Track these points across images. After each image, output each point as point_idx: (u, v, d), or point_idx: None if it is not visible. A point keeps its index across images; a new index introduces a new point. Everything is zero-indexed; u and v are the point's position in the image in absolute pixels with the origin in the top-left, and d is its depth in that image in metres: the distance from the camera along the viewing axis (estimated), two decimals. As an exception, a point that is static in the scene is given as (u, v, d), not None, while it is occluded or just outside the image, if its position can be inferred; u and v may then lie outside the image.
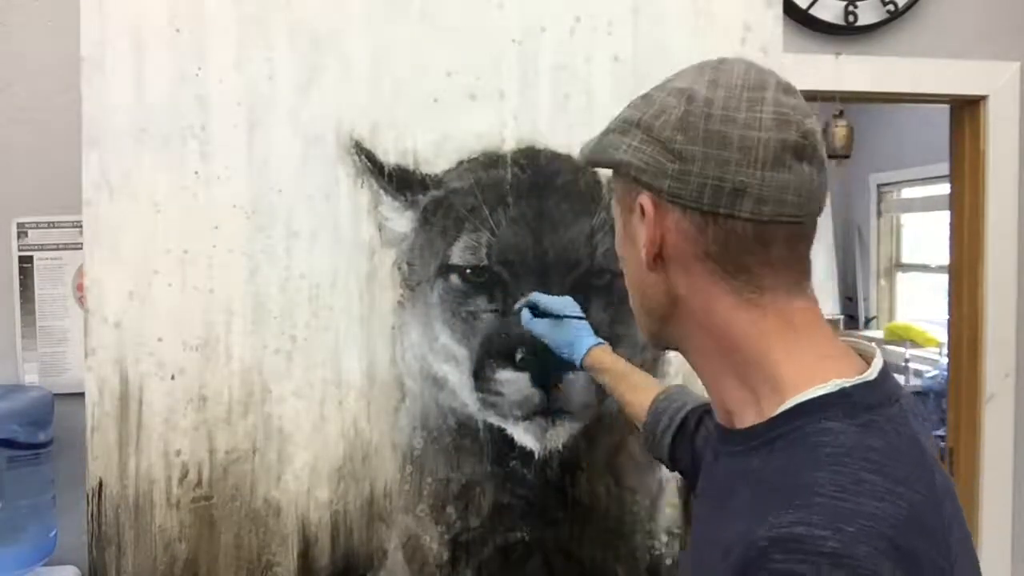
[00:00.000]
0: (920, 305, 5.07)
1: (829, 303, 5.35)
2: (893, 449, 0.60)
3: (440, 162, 1.25)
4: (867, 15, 1.84)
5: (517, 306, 1.23)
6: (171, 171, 1.20)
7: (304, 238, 1.23)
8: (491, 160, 1.26)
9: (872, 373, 0.65)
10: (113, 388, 1.19)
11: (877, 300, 5.37)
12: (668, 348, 0.77)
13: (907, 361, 4.61)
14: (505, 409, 1.25)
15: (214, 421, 1.21)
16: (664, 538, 1.31)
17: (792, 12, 1.77)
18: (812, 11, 1.81)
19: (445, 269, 1.25)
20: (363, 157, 1.24)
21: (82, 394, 1.20)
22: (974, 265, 1.99)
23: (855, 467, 0.58)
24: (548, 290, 1.24)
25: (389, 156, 1.25)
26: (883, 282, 5.33)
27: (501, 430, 1.26)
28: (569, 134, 1.28)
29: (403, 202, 1.25)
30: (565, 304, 1.21)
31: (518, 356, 1.23)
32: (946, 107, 2.05)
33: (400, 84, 1.24)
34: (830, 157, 1.96)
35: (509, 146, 1.26)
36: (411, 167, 1.25)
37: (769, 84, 0.66)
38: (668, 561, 1.31)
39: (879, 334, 5.07)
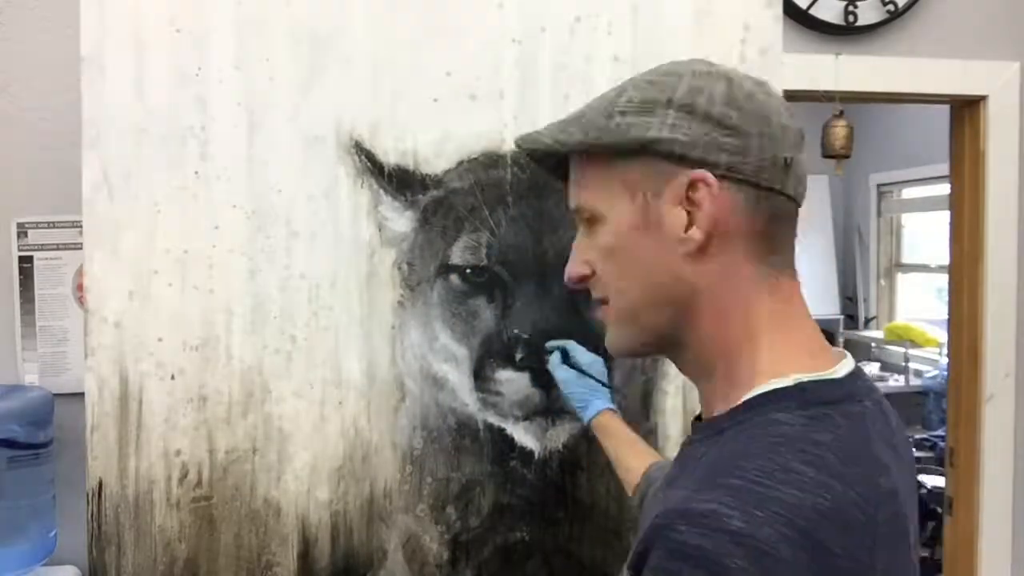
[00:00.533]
0: (920, 305, 5.07)
1: (829, 303, 5.35)
2: (838, 445, 0.60)
3: (440, 162, 1.25)
4: (867, 15, 1.84)
5: (550, 345, 1.23)
6: (171, 171, 1.20)
7: (304, 238, 1.23)
8: (491, 160, 1.26)
9: (838, 372, 0.66)
10: (113, 388, 1.19)
11: (877, 300, 5.37)
12: (657, 352, 0.74)
13: (907, 361, 4.61)
14: (505, 409, 1.25)
15: (214, 421, 1.21)
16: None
17: (792, 12, 1.77)
18: (812, 11, 1.81)
19: (445, 269, 1.25)
20: (363, 157, 1.24)
21: (82, 394, 1.20)
22: (974, 265, 1.99)
23: (788, 457, 0.58)
24: (548, 290, 1.24)
25: (389, 156, 1.25)
26: (883, 282, 5.33)
27: (501, 430, 1.26)
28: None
29: (403, 202, 1.25)
30: (594, 363, 1.21)
31: (518, 356, 1.23)
32: (946, 107, 2.05)
33: (400, 84, 1.24)
34: (830, 157, 1.96)
35: (509, 146, 1.26)
36: (411, 167, 1.25)
37: (751, 77, 0.70)
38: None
39: (879, 334, 5.07)
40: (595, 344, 1.22)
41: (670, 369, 1.30)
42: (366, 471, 1.24)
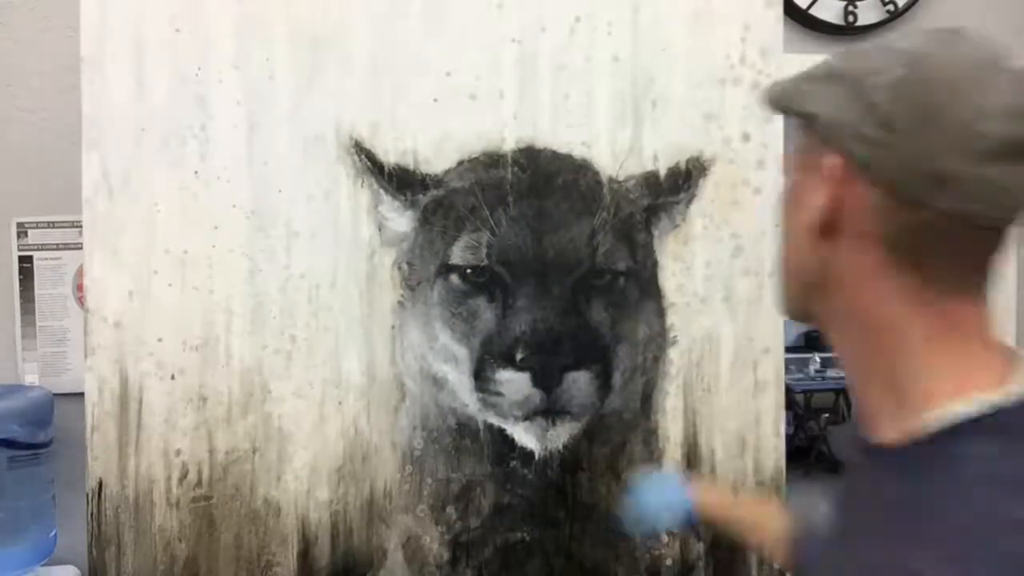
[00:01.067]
0: (920, 305, 5.05)
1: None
2: None
3: (440, 162, 1.25)
4: (867, 15, 1.84)
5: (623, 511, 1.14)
6: (171, 171, 1.20)
7: (304, 238, 1.23)
8: (491, 160, 1.26)
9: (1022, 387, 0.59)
10: (113, 388, 1.19)
11: (877, 300, 5.35)
12: (807, 321, 0.69)
13: (907, 361, 4.59)
14: (505, 409, 1.25)
15: (214, 421, 1.21)
16: (664, 538, 1.31)
17: (792, 12, 1.77)
18: (812, 11, 1.81)
19: (445, 269, 1.25)
20: (363, 157, 1.24)
21: (82, 394, 1.20)
22: (974, 265, 1.99)
23: (995, 498, 0.52)
24: (548, 290, 1.24)
25: (389, 156, 1.25)
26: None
27: (501, 430, 1.26)
28: (569, 134, 1.28)
29: (403, 202, 1.25)
30: (683, 502, 1.09)
31: (518, 356, 1.23)
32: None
33: (400, 84, 1.24)
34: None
35: (509, 146, 1.26)
36: (411, 167, 1.25)
37: (1007, 68, 0.58)
38: (668, 561, 1.31)
39: (879, 334, 5.05)
40: (598, 338, 1.21)
41: (670, 369, 1.30)
42: (366, 471, 1.24)
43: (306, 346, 1.23)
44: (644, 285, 1.30)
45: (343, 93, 1.23)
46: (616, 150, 1.29)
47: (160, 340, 1.20)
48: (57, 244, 1.54)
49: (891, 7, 1.85)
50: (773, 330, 1.32)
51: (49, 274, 1.54)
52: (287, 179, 1.23)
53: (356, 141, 1.24)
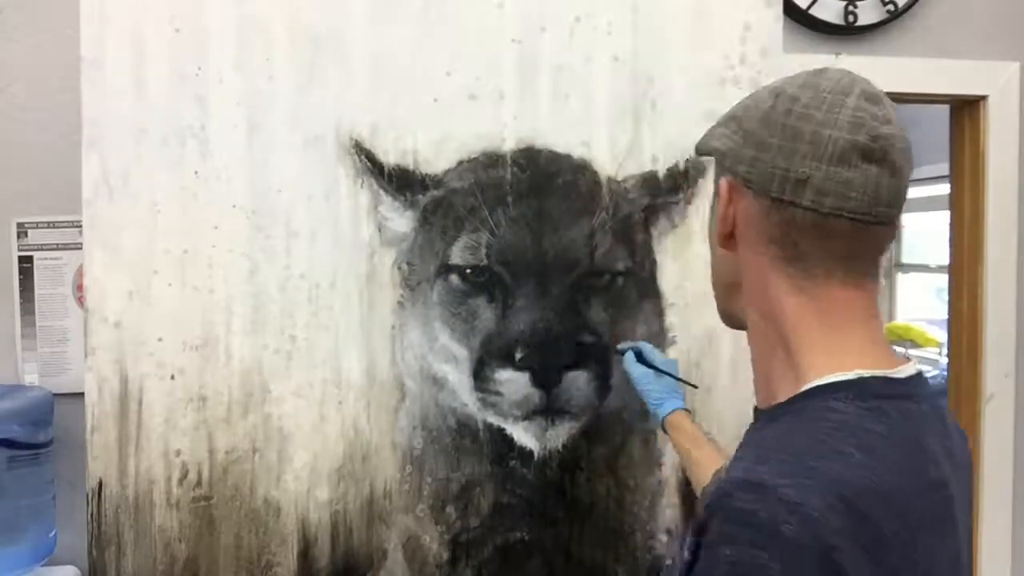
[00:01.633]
0: (920, 305, 5.07)
1: (829, 303, 5.32)
2: (892, 434, 0.66)
3: (440, 162, 1.25)
4: (867, 15, 1.84)
5: (622, 347, 1.24)
6: (171, 171, 1.20)
7: (304, 238, 1.23)
8: (491, 160, 1.26)
9: (901, 372, 0.71)
10: (113, 388, 1.19)
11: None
12: (736, 326, 0.81)
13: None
14: (505, 409, 1.25)
15: (214, 421, 1.21)
16: (664, 538, 1.31)
17: (792, 12, 1.77)
18: (812, 11, 1.81)
19: (445, 269, 1.25)
20: (363, 157, 1.24)
21: (82, 394, 1.20)
22: (974, 265, 1.99)
23: (841, 439, 0.64)
24: (547, 290, 1.24)
25: (389, 156, 1.25)
26: (883, 282, 5.33)
27: (501, 430, 1.26)
28: (569, 134, 1.28)
29: (403, 202, 1.25)
30: (668, 363, 1.22)
31: (518, 356, 1.23)
32: (946, 107, 2.05)
33: (400, 84, 1.24)
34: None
35: (509, 146, 1.26)
36: (411, 167, 1.25)
37: (854, 91, 0.71)
38: (668, 561, 1.31)
39: (879, 334, 5.06)
40: (597, 338, 1.22)
41: (670, 369, 1.31)
42: (366, 471, 1.24)
43: (306, 346, 1.23)
44: (643, 285, 1.30)
45: (343, 93, 1.23)
46: (615, 150, 1.29)
47: (160, 340, 1.20)
48: (57, 244, 1.54)
49: (891, 7, 1.85)
50: (773, 330, 1.32)
51: (49, 274, 1.54)
52: (287, 179, 1.23)
53: (356, 141, 1.24)
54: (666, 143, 1.30)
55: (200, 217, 1.21)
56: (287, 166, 1.23)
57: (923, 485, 0.66)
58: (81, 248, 1.22)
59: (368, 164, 1.24)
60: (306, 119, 1.23)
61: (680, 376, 1.22)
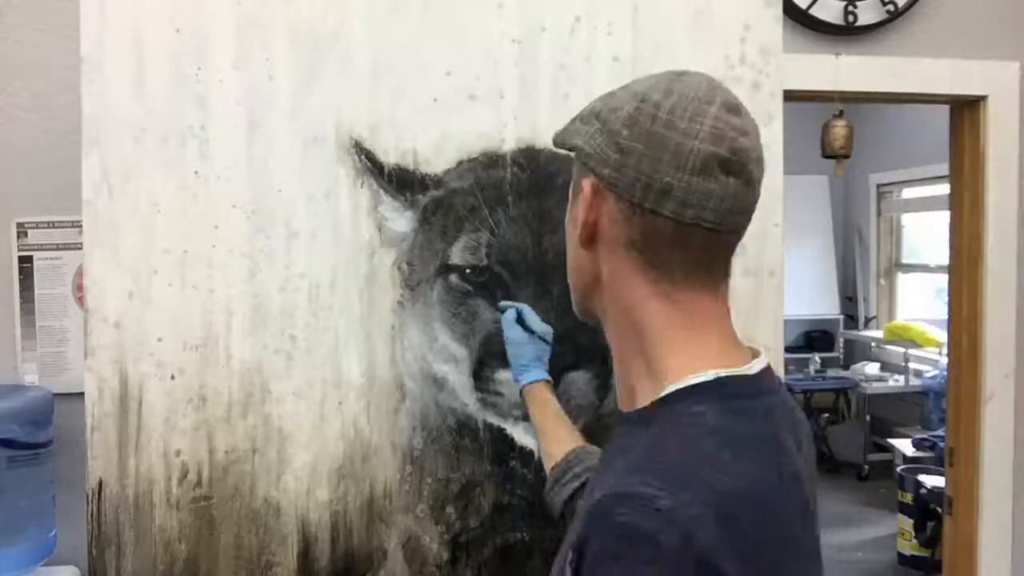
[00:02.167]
0: (920, 305, 5.07)
1: (829, 303, 5.35)
2: (752, 434, 0.69)
3: (440, 162, 1.25)
4: (867, 15, 1.84)
5: (503, 305, 1.24)
6: (171, 171, 1.20)
7: (304, 238, 1.23)
8: (491, 160, 1.26)
9: (752, 368, 0.73)
10: (113, 388, 1.19)
11: (877, 300, 5.38)
12: (591, 319, 0.83)
13: (907, 361, 4.61)
14: (505, 409, 1.25)
15: (214, 421, 1.21)
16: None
17: (792, 12, 1.77)
18: (812, 11, 1.81)
19: (445, 269, 1.25)
20: (363, 157, 1.24)
21: (82, 394, 1.20)
22: (974, 265, 1.99)
23: (709, 443, 0.66)
24: (547, 290, 1.24)
25: (389, 156, 1.25)
26: (883, 282, 5.34)
27: (501, 430, 1.26)
28: (569, 134, 1.27)
29: (403, 202, 1.25)
30: (545, 332, 1.22)
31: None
32: (946, 107, 2.05)
33: (400, 84, 1.24)
34: (830, 157, 1.96)
35: (509, 146, 1.26)
36: (411, 167, 1.25)
37: (715, 101, 0.72)
38: None
39: (879, 334, 5.07)
40: (596, 338, 1.22)
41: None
42: (366, 471, 1.24)
43: (306, 346, 1.23)
44: (644, 285, 1.30)
45: (343, 93, 1.23)
46: (616, 150, 1.29)
47: (160, 340, 1.20)
48: (57, 244, 1.54)
49: (891, 7, 1.85)
50: (773, 330, 1.32)
51: (49, 274, 1.54)
52: (287, 179, 1.23)
53: (356, 141, 1.24)
54: (666, 143, 1.29)
55: (200, 217, 1.21)
56: (287, 166, 1.23)
57: (785, 482, 0.69)
58: (81, 248, 1.22)
59: (368, 164, 1.24)
60: (306, 119, 1.23)
61: (551, 345, 1.21)
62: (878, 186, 5.23)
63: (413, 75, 1.25)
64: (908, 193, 5.10)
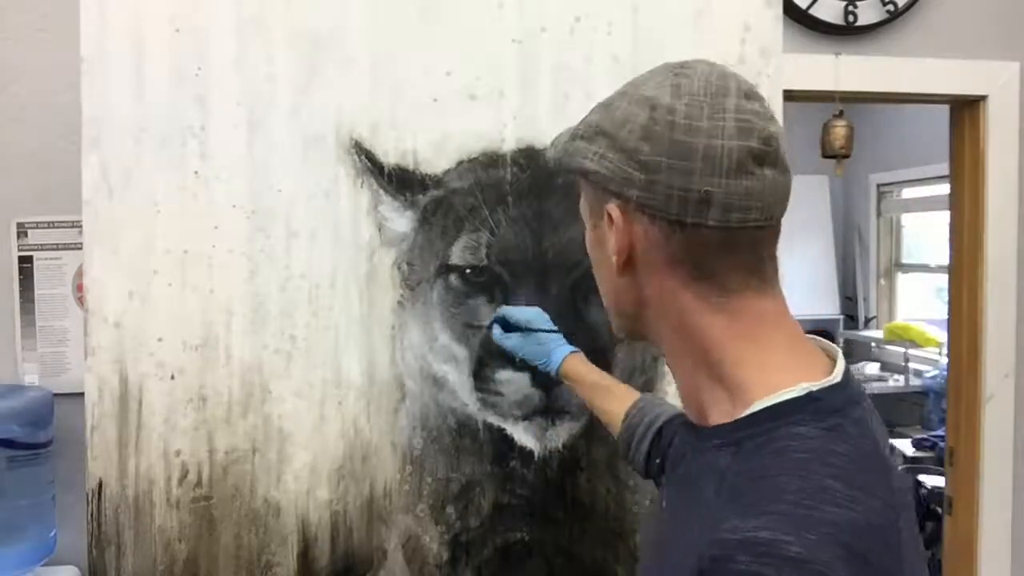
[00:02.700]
0: (920, 305, 5.07)
1: (829, 303, 5.35)
2: (857, 454, 0.63)
3: (440, 162, 1.25)
4: (867, 15, 1.84)
5: (487, 322, 1.23)
6: (171, 171, 1.20)
7: (304, 238, 1.23)
8: (491, 160, 1.26)
9: (837, 375, 0.68)
10: (113, 388, 1.19)
11: (877, 300, 5.37)
12: (641, 340, 0.79)
13: (907, 361, 4.60)
14: (505, 409, 1.25)
15: (214, 421, 1.21)
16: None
17: (792, 12, 1.77)
18: (812, 11, 1.81)
19: (445, 269, 1.25)
20: (363, 157, 1.24)
21: (82, 394, 1.20)
22: (974, 265, 1.99)
23: (820, 473, 0.61)
24: (547, 290, 1.24)
25: (389, 156, 1.25)
26: (883, 282, 5.33)
27: (501, 430, 1.26)
28: (569, 134, 1.27)
29: (403, 202, 1.25)
30: (534, 316, 1.21)
31: (518, 356, 1.23)
32: (946, 107, 2.05)
33: (400, 84, 1.24)
34: (830, 157, 1.96)
35: (509, 146, 1.26)
36: (411, 167, 1.25)
37: (731, 90, 0.68)
38: None
39: (879, 334, 5.07)
40: (597, 338, 1.22)
41: (668, 370, 1.31)
42: (366, 471, 1.24)
43: (306, 346, 1.23)
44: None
45: (343, 93, 1.23)
46: (616, 150, 1.29)
47: (160, 340, 1.20)
48: (57, 244, 1.54)
49: (891, 7, 1.85)
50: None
51: (49, 274, 1.54)
52: (287, 179, 1.23)
53: (356, 141, 1.24)
54: (666, 143, 1.29)
55: (200, 217, 1.21)
56: (287, 166, 1.23)
57: (896, 502, 0.64)
58: (81, 248, 1.22)
59: (368, 164, 1.24)
60: (306, 119, 1.23)
61: (549, 326, 1.20)
62: (878, 186, 5.23)
63: (413, 75, 1.25)
64: (908, 193, 5.10)
